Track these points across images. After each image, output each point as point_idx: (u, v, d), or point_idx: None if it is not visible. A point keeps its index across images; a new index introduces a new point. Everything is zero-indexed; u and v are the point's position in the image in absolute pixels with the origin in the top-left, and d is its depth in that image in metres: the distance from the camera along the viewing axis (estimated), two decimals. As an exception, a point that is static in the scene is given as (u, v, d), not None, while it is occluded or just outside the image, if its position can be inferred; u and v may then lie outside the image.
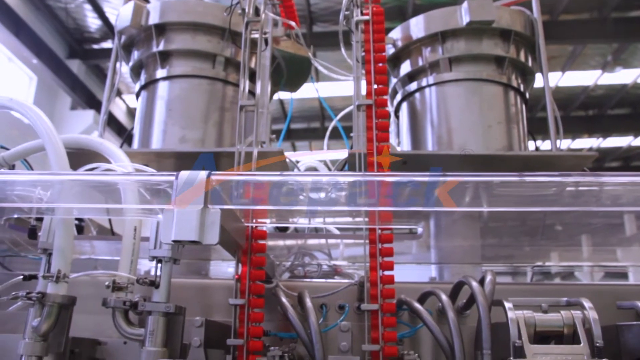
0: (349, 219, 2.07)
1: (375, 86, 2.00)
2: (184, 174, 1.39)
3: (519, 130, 2.79)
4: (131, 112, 12.92)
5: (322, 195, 1.60)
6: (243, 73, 2.27)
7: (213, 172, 1.39)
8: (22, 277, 1.84)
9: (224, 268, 2.57)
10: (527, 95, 2.95)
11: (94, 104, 12.07)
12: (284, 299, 1.77)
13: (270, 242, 2.18)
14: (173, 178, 1.39)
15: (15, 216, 2.31)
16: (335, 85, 7.63)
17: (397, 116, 3.14)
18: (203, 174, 1.38)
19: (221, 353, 1.72)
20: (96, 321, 1.95)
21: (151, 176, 1.55)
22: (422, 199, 1.45)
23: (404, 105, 3.01)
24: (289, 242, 2.56)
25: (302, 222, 2.24)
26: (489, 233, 2.50)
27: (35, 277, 1.79)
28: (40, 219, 2.15)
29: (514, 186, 1.57)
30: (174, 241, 1.32)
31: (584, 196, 1.55)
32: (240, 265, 1.73)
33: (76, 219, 2.78)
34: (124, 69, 3.15)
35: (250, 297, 1.67)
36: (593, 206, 1.53)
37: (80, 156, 2.01)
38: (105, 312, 1.78)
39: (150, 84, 2.90)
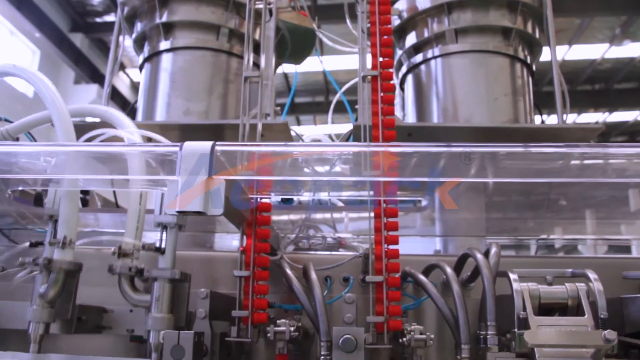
0: (354, 193, 2.06)
1: (380, 59, 1.98)
2: (189, 144, 1.38)
3: (525, 103, 2.77)
4: (135, 87, 12.88)
5: (327, 167, 1.59)
6: (247, 44, 2.25)
7: (217, 143, 1.38)
8: (28, 244, 1.84)
9: (229, 241, 2.58)
10: (534, 68, 2.92)
11: (97, 78, 12.03)
12: (288, 271, 1.78)
13: (275, 217, 2.19)
14: (177, 149, 1.38)
15: (20, 188, 2.31)
16: (340, 59, 7.57)
17: (402, 88, 3.12)
18: (207, 144, 1.37)
19: (226, 324, 1.73)
20: (102, 293, 1.96)
21: (156, 147, 1.54)
22: (427, 170, 1.44)
23: (409, 78, 2.98)
24: (293, 215, 2.56)
25: (306, 195, 2.24)
26: (493, 206, 2.50)
27: (41, 244, 1.80)
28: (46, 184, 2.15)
29: (519, 158, 1.55)
30: (178, 212, 1.31)
31: (590, 168, 1.54)
32: (245, 237, 1.73)
33: (81, 192, 2.78)
34: (127, 42, 3.12)
35: (255, 269, 1.67)
36: (599, 178, 1.51)
37: (85, 128, 2.00)
38: (111, 283, 1.79)
39: (153, 56, 2.88)
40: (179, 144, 1.39)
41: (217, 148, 1.38)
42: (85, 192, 3.07)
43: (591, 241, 2.97)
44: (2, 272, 2.01)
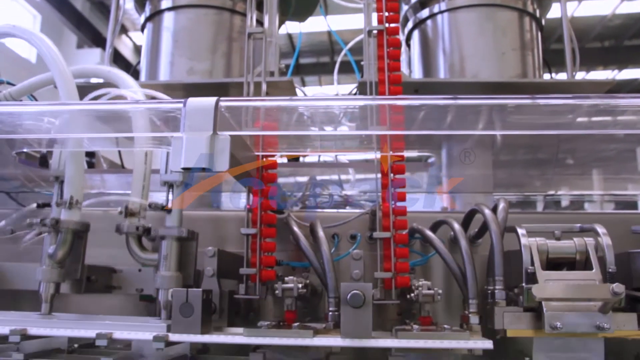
0: (360, 150, 2.05)
1: (386, 13, 1.94)
2: (193, 100, 1.36)
3: (534, 58, 2.72)
4: (138, 50, 12.75)
5: (333, 125, 1.57)
6: (250, 1, 2.20)
7: (221, 98, 1.36)
8: (35, 205, 1.85)
9: (236, 200, 2.58)
10: (543, 23, 2.86)
11: (100, 41, 11.92)
12: (296, 229, 1.78)
13: (281, 180, 2.18)
14: (181, 105, 1.36)
15: (25, 150, 2.30)
16: (345, 19, 7.46)
17: (408, 45, 3.07)
18: (211, 100, 1.35)
19: (234, 283, 1.73)
20: (110, 254, 1.97)
21: (159, 104, 1.52)
22: (434, 124, 1.42)
23: (416, 33, 2.93)
24: (300, 174, 2.55)
25: (313, 152, 2.23)
26: (501, 162, 2.48)
27: (48, 205, 1.80)
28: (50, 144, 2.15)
29: (527, 111, 1.53)
30: (183, 169, 1.30)
31: (599, 121, 1.51)
32: (251, 195, 1.73)
33: (86, 155, 2.77)
34: (129, 5, 3.07)
35: (262, 227, 1.67)
36: (609, 130, 1.48)
37: (88, 89, 1.98)
38: (119, 244, 1.80)
39: (155, 15, 2.84)
40: (182, 100, 1.38)
41: (222, 103, 1.36)
42: (90, 155, 3.07)
43: (598, 198, 2.95)
44: (11, 234, 2.03)
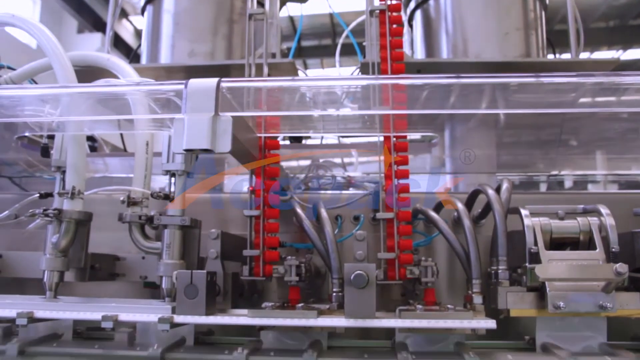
0: (363, 132, 2.04)
1: (388, -8, 1.91)
2: (194, 81, 1.36)
3: (538, 38, 2.70)
4: (139, 34, 12.68)
5: (335, 106, 1.56)
6: (251, -18, 2.19)
7: (223, 79, 1.35)
8: (38, 195, 1.85)
9: (239, 183, 2.57)
10: (547, 2, 2.83)
11: (100, 26, 11.87)
12: (299, 210, 1.77)
13: (285, 163, 2.17)
14: (182, 87, 1.35)
15: (27, 134, 2.30)
16: (347, 0, 7.40)
17: (410, 25, 3.04)
18: (213, 81, 1.34)
19: (238, 265, 1.74)
20: (114, 238, 1.98)
21: (160, 85, 1.51)
22: (437, 103, 1.41)
23: (418, 14, 2.91)
24: (303, 154, 2.54)
25: (315, 133, 2.22)
26: (504, 143, 2.47)
27: (51, 195, 1.81)
28: (51, 137, 2.15)
29: (531, 90, 1.51)
30: (185, 150, 1.30)
31: (604, 99, 1.50)
32: (254, 176, 1.72)
33: (88, 139, 2.77)
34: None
35: (265, 208, 1.67)
36: (614, 108, 1.47)
37: (87, 75, 1.97)
38: (123, 228, 1.80)
39: (156, -3, 2.82)
40: (184, 81, 1.37)
41: (223, 84, 1.35)
42: (92, 140, 3.06)
43: (602, 179, 2.94)
44: (15, 219, 2.03)
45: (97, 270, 1.87)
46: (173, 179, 1.72)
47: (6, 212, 1.95)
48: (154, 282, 1.92)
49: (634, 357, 1.37)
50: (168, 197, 1.70)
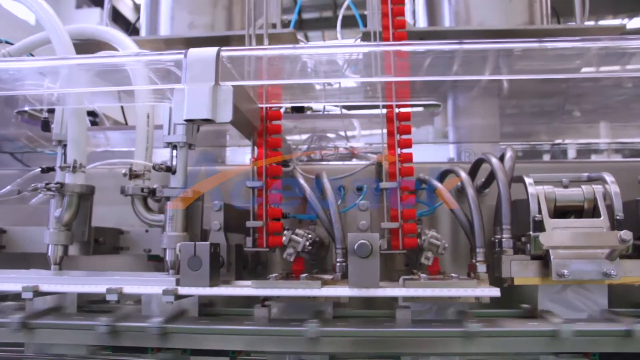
0: (365, 101, 2.02)
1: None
2: (193, 51, 1.34)
3: (542, 6, 2.65)
4: (138, 9, 12.57)
5: (336, 72, 1.54)
6: (250, -49, 2.14)
7: (223, 48, 1.33)
8: (40, 169, 1.85)
9: (241, 155, 2.57)
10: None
11: (99, 1, 11.75)
12: (302, 181, 1.76)
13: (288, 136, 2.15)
14: (182, 56, 1.33)
15: (26, 108, 2.29)
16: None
17: (412, -7, 3.00)
18: (212, 50, 1.32)
19: (241, 237, 1.73)
20: (118, 212, 1.98)
21: (160, 55, 1.49)
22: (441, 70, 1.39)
23: (420, -19, 2.86)
24: (305, 126, 2.53)
25: (317, 103, 2.20)
26: (508, 111, 2.45)
27: (52, 169, 1.80)
28: (51, 111, 2.14)
29: (534, 58, 1.49)
30: (186, 120, 1.28)
31: (609, 63, 1.47)
32: (256, 148, 1.71)
33: (89, 114, 2.75)
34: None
35: (268, 179, 1.66)
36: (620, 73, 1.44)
37: (86, 50, 1.95)
38: (126, 202, 1.80)
39: (154, -31, 2.77)
40: (183, 51, 1.35)
41: (223, 54, 1.33)
42: (93, 115, 3.04)
43: (606, 147, 2.92)
44: (18, 194, 2.03)
45: (101, 244, 1.88)
46: (175, 152, 1.71)
47: (8, 187, 1.95)
48: (158, 255, 1.92)
49: (632, 322, 1.36)
50: (170, 170, 1.69)
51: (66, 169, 1.72)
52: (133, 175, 1.77)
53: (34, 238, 1.89)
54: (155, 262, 2.00)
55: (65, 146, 1.77)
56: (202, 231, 1.76)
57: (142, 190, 1.75)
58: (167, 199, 1.68)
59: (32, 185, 1.75)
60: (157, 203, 1.82)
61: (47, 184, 1.70)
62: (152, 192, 1.74)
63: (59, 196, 1.72)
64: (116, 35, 1.94)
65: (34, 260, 1.97)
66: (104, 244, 1.90)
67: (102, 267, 2.05)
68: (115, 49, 1.93)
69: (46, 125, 2.30)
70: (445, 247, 1.57)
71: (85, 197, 1.78)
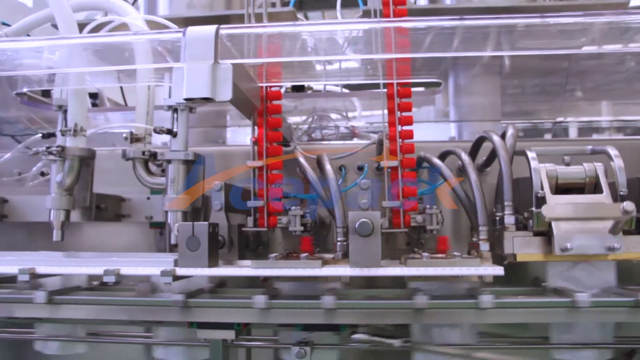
0: (366, 79, 2.00)
1: None
2: (192, 29, 1.32)
3: (545, -19, 2.61)
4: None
5: (337, 50, 1.53)
6: None
7: (222, 26, 1.32)
8: (40, 135, 1.84)
9: (241, 135, 2.56)
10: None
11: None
12: (302, 161, 1.76)
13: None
14: (180, 35, 1.32)
15: (25, 90, 2.27)
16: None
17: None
18: (211, 28, 1.31)
19: (243, 217, 1.73)
20: (119, 193, 1.98)
21: (159, 34, 1.48)
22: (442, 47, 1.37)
23: (420, -43, 2.82)
24: (305, 106, 2.51)
25: (317, 82, 2.18)
26: (509, 90, 2.43)
27: (53, 134, 1.79)
28: (51, 80, 2.13)
29: (536, 34, 1.47)
30: (185, 99, 1.27)
31: (612, 39, 1.45)
32: (256, 128, 1.70)
33: (90, 96, 2.74)
34: None
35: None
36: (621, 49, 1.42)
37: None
38: (127, 183, 1.80)
39: (153, -54, 2.74)
40: (182, 29, 1.33)
41: (222, 32, 1.32)
42: (94, 97, 3.03)
43: (608, 126, 2.90)
44: (19, 176, 2.03)
45: (102, 211, 1.88)
46: (175, 115, 1.71)
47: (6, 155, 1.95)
48: (159, 222, 1.93)
49: None
50: (171, 133, 1.69)
51: (67, 132, 1.71)
52: (134, 139, 1.77)
53: (36, 207, 1.90)
54: (157, 230, 2.00)
55: (65, 111, 1.76)
56: (203, 196, 1.76)
57: (143, 153, 1.75)
58: (169, 161, 1.68)
59: (34, 149, 1.75)
60: (159, 167, 1.81)
61: (48, 148, 1.70)
62: (153, 155, 1.74)
63: (60, 160, 1.72)
64: (118, 3, 1.92)
65: (37, 229, 1.98)
66: (105, 211, 1.90)
67: (104, 234, 2.07)
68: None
69: (46, 92, 2.29)
70: (441, 221, 1.57)
71: (87, 161, 1.77)
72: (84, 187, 1.78)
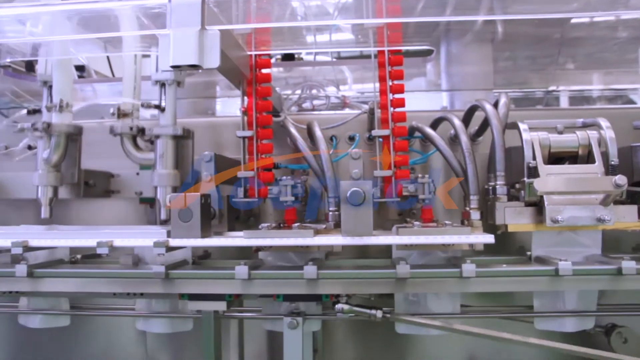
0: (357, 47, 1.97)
1: None
2: (178, -5, 1.29)
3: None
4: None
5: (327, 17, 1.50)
6: None
7: (208, -9, 1.28)
8: (26, 111, 1.81)
9: (232, 107, 2.53)
10: None
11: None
12: (293, 130, 1.74)
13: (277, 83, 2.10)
14: (166, 0, 1.28)
15: (8, 60, 2.23)
16: None
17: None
18: (198, -7, 1.27)
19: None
20: (108, 166, 1.96)
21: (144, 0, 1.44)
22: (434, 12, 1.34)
23: None
24: (295, 75, 2.48)
25: (308, 50, 2.14)
26: (501, 58, 2.40)
27: (39, 111, 1.76)
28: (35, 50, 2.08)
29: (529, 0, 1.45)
30: (172, 67, 1.24)
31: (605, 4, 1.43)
32: (245, 97, 1.67)
33: (77, 69, 2.70)
34: None
35: (258, 129, 1.63)
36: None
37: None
38: (117, 155, 1.78)
39: None
40: (167, -6, 1.30)
41: (209, -5, 1.28)
42: (80, 69, 2.98)
43: (600, 95, 2.89)
44: (5, 150, 2.00)
45: (91, 187, 1.87)
46: (163, 89, 1.68)
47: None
48: (149, 197, 1.91)
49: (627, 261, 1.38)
50: (159, 108, 1.66)
51: (52, 108, 1.69)
52: (121, 114, 1.74)
53: (24, 183, 1.88)
54: (147, 205, 1.99)
55: (50, 87, 1.73)
56: (193, 172, 1.74)
57: (130, 128, 1.72)
58: (157, 136, 1.66)
59: (20, 125, 1.72)
60: (147, 143, 1.79)
61: (33, 124, 1.67)
62: (142, 130, 1.72)
63: (47, 137, 1.69)
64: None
65: (25, 206, 1.96)
66: (94, 187, 1.88)
67: (93, 210, 2.05)
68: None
69: (30, 66, 2.25)
70: (433, 190, 1.56)
71: (73, 137, 1.75)
72: (71, 163, 1.76)
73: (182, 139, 1.68)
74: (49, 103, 1.70)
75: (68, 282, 1.50)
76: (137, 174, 1.90)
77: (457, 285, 1.43)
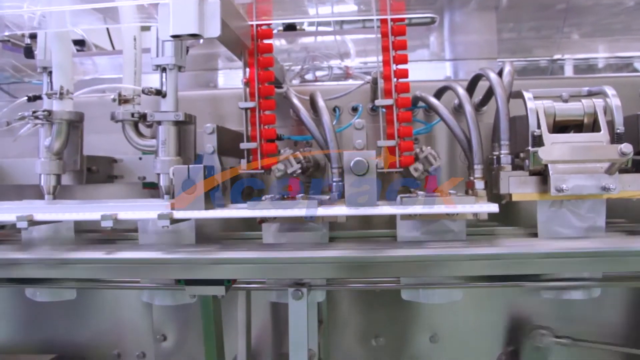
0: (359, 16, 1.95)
1: None
2: (177, -38, 1.27)
3: None
4: None
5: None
6: None
7: (208, -43, 1.25)
8: (26, 98, 1.80)
9: (234, 79, 2.51)
10: None
11: None
12: (296, 101, 1.72)
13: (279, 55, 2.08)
14: (165, -32, 1.26)
15: (6, 33, 2.20)
16: None
17: None
18: (197, -42, 1.25)
19: (236, 161, 1.70)
20: (110, 140, 1.95)
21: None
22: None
23: None
24: (297, 45, 2.45)
25: (309, 19, 2.12)
26: (505, 26, 2.37)
27: (39, 97, 1.75)
28: (34, 37, 2.06)
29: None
30: (172, 36, 1.23)
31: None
32: (247, 68, 1.66)
33: (77, 44, 2.67)
34: None
35: (261, 100, 1.61)
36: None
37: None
38: (118, 130, 1.76)
39: None
40: (166, -39, 1.27)
41: (208, -37, 1.26)
42: (80, 44, 2.95)
43: (605, 64, 2.86)
44: (7, 126, 1.99)
45: (94, 173, 1.86)
46: (164, 74, 1.66)
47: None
48: (152, 182, 1.90)
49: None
50: (160, 93, 1.65)
51: (53, 95, 1.67)
52: (122, 100, 1.72)
53: (26, 169, 1.87)
54: (151, 190, 1.98)
55: (50, 73, 1.72)
56: (195, 155, 1.73)
57: (132, 115, 1.71)
58: (159, 123, 1.64)
59: (20, 113, 1.71)
60: (149, 129, 1.78)
61: (34, 112, 1.66)
62: (143, 116, 1.70)
63: (48, 124, 1.69)
64: None
65: (27, 192, 1.96)
66: (97, 173, 1.88)
67: (96, 196, 2.05)
68: None
69: (29, 52, 2.22)
70: (438, 166, 1.55)
71: (75, 124, 1.74)
72: (74, 150, 1.76)
73: (184, 125, 1.67)
74: (49, 90, 1.69)
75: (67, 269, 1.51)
76: (140, 158, 1.90)
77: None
